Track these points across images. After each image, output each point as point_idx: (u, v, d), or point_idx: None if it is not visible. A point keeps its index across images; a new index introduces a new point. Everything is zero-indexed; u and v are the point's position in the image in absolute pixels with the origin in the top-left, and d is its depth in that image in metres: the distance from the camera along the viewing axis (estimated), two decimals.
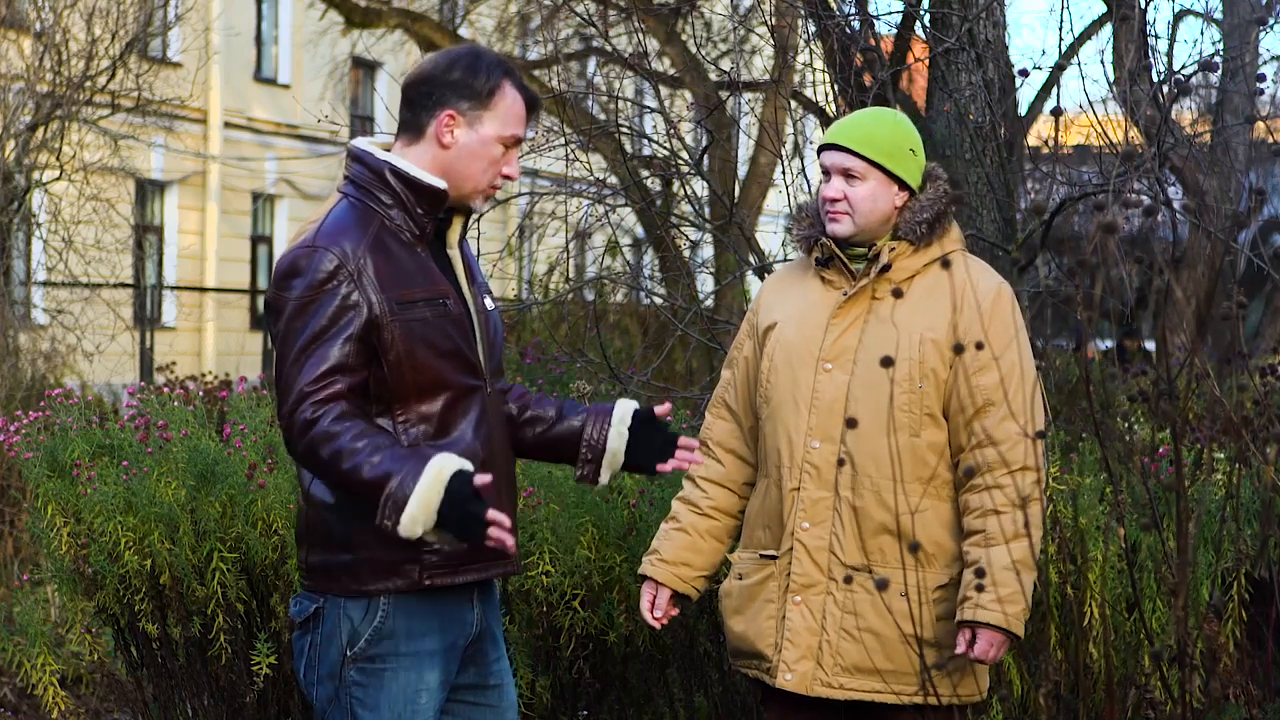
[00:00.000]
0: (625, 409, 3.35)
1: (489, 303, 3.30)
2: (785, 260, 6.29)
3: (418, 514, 2.93)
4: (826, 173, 3.52)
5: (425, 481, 2.93)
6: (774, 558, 3.51)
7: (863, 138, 3.48)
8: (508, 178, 3.21)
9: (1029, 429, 3.41)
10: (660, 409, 3.35)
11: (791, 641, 3.44)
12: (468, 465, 2.98)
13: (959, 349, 2.69)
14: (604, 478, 3.35)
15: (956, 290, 3.45)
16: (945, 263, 3.40)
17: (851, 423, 3.15)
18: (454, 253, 3.24)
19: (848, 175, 3.48)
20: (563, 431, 3.35)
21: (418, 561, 3.11)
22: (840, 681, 3.42)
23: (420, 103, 3.15)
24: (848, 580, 3.31)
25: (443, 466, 2.95)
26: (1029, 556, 3.35)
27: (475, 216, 3.33)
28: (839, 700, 3.45)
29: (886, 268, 3.47)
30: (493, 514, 2.95)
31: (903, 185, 3.50)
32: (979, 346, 3.35)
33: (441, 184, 3.14)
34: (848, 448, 3.42)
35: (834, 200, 3.48)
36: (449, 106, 3.14)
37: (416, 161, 3.15)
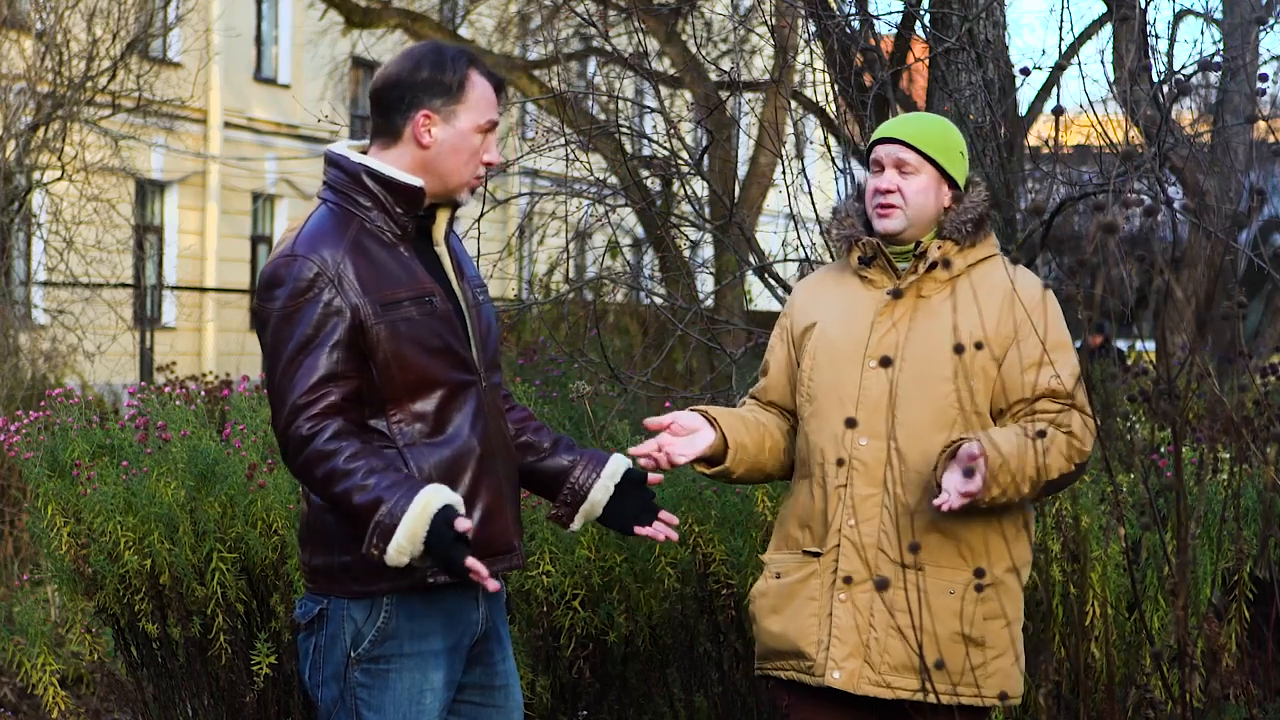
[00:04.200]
0: (619, 465, 3.38)
1: (481, 297, 3.30)
2: (786, 260, 6.28)
3: (404, 544, 2.95)
4: (879, 166, 3.51)
5: (412, 513, 2.94)
6: (816, 555, 3.48)
7: (918, 133, 3.50)
8: (489, 164, 3.21)
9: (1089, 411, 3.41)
10: (653, 477, 3.39)
11: (839, 639, 3.41)
12: (456, 500, 2.98)
13: (959, 349, 2.69)
14: (576, 524, 3.38)
15: (1018, 298, 3.43)
16: (945, 263, 3.42)
17: (851, 422, 3.15)
18: (441, 249, 3.23)
19: (901, 168, 3.48)
20: (551, 467, 3.36)
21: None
22: (889, 680, 3.40)
23: (393, 107, 3.14)
24: (881, 586, 3.28)
25: (429, 500, 2.96)
26: (1040, 474, 3.31)
27: (458, 210, 3.31)
28: (882, 700, 3.43)
29: (934, 265, 3.47)
30: (471, 562, 2.96)
31: (951, 185, 3.51)
32: (978, 346, 3.35)
33: (418, 182, 3.14)
34: (896, 444, 3.41)
35: (887, 191, 3.48)
36: (423, 107, 3.13)
37: (396, 164, 3.15)
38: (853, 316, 3.52)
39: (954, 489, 3.26)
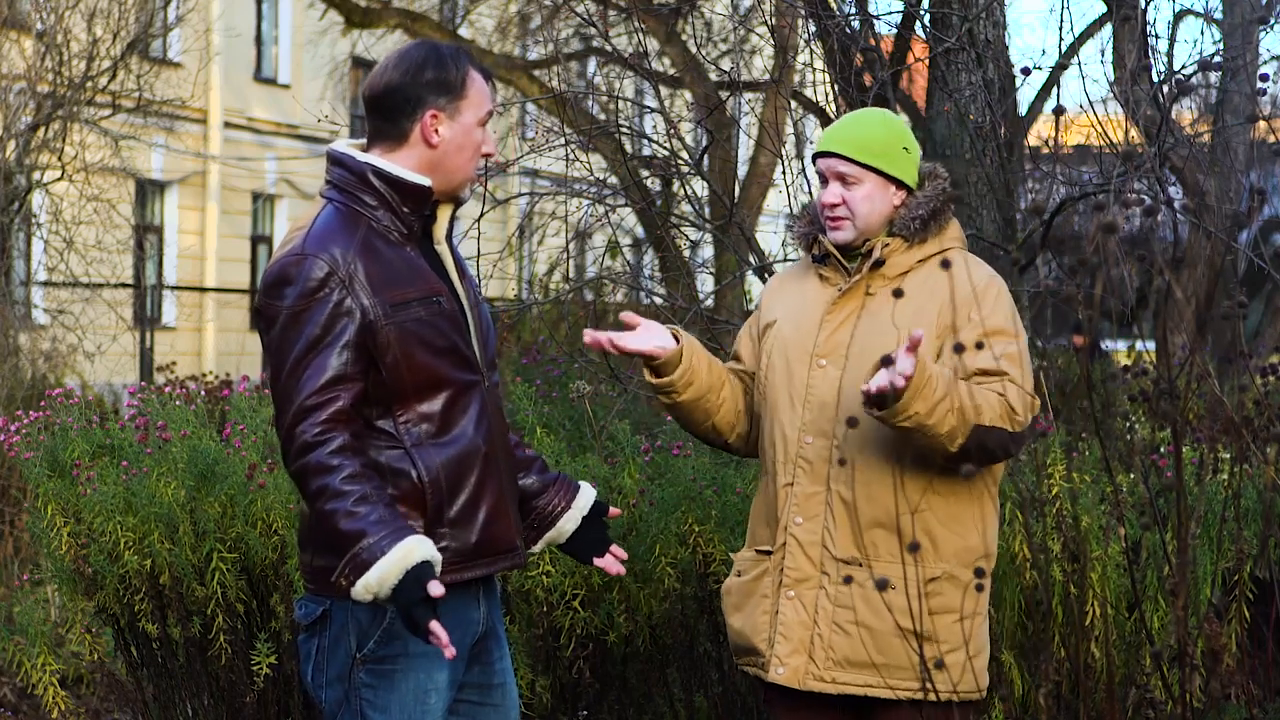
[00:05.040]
0: (588, 497, 3.45)
1: (479, 297, 3.31)
2: (785, 260, 6.29)
3: (373, 584, 2.94)
4: (824, 179, 3.53)
5: (390, 559, 2.93)
6: (769, 553, 3.52)
7: (853, 141, 3.49)
8: (488, 155, 3.22)
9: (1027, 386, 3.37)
10: (613, 510, 3.49)
11: (784, 636, 3.44)
12: (435, 557, 2.98)
13: (959, 348, 2.69)
14: (539, 547, 3.44)
15: (955, 289, 3.45)
16: (945, 263, 3.41)
17: (852, 422, 3.14)
18: (442, 248, 3.24)
19: (843, 180, 3.49)
20: (522, 487, 3.39)
21: None
22: (833, 675, 3.41)
23: (399, 110, 3.14)
24: (847, 581, 3.29)
25: (410, 550, 2.95)
26: (967, 412, 3.27)
27: (461, 210, 3.32)
28: (836, 695, 3.44)
29: (879, 263, 3.48)
30: (434, 627, 2.95)
31: (900, 184, 3.51)
32: (979, 346, 3.35)
33: (426, 181, 3.14)
34: (844, 443, 3.41)
35: (833, 205, 3.49)
36: (429, 107, 3.14)
37: (404, 164, 3.15)
38: (804, 315, 3.54)
39: (885, 374, 3.20)
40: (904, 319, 3.43)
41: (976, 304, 3.44)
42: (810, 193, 5.74)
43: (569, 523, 3.43)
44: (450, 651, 2.95)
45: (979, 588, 3.40)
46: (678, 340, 3.53)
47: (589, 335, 3.45)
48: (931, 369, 3.25)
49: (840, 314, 3.50)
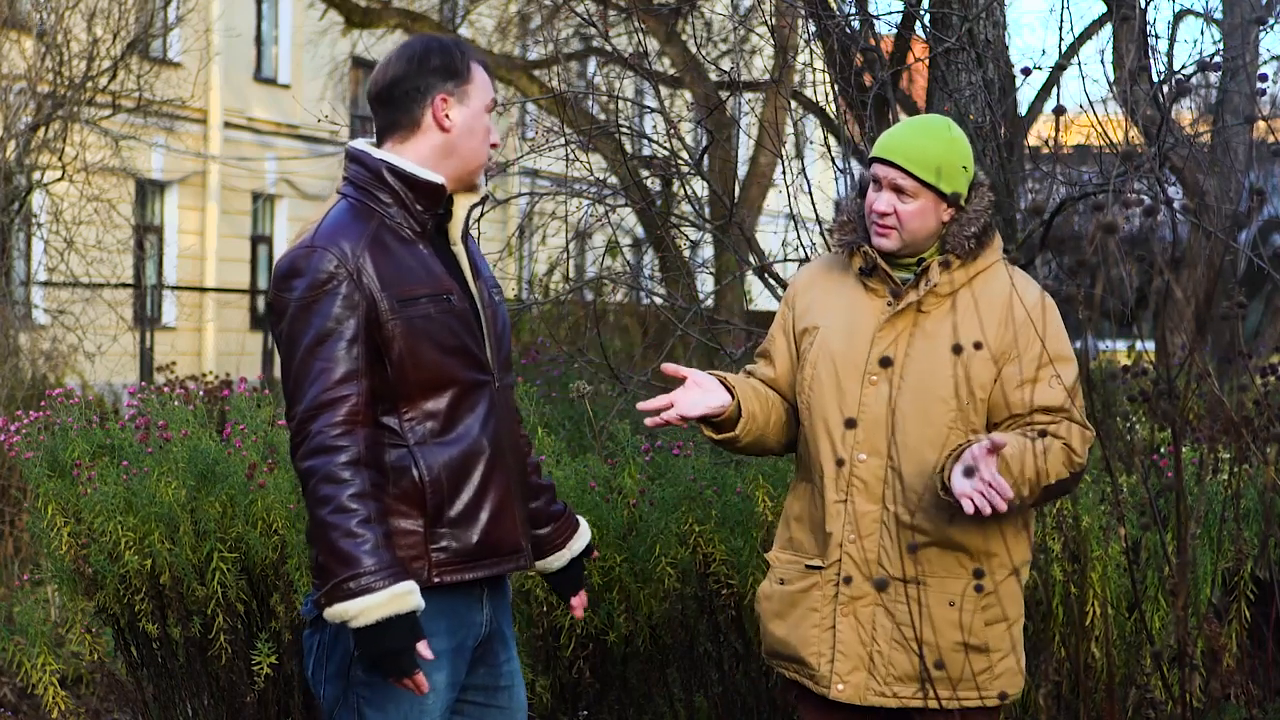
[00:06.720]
0: (583, 540, 3.52)
1: (496, 296, 3.31)
2: (785, 260, 6.28)
3: (350, 614, 2.96)
4: (877, 182, 3.45)
5: (379, 598, 2.96)
6: (818, 568, 3.47)
7: (917, 156, 3.41)
8: (494, 146, 3.26)
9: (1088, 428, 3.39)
10: (594, 553, 3.57)
11: (843, 653, 3.42)
12: (421, 606, 3.01)
13: (958, 349, 2.69)
14: (535, 565, 3.47)
15: (1016, 310, 3.41)
16: (945, 264, 3.41)
17: (851, 423, 3.13)
18: (458, 248, 3.25)
19: (898, 191, 3.42)
20: (535, 508, 3.44)
21: (426, 559, 3.11)
22: (895, 690, 3.41)
23: (408, 99, 3.17)
24: (880, 586, 3.27)
25: (401, 597, 2.98)
26: (1040, 477, 3.28)
27: (477, 209, 3.32)
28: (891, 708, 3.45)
29: (929, 285, 3.43)
30: (419, 678, 3.01)
31: (951, 200, 3.44)
32: (977, 346, 3.33)
33: (439, 178, 3.16)
34: (898, 461, 3.39)
35: (884, 214, 3.43)
36: (438, 91, 3.17)
37: (418, 154, 3.17)
38: (855, 328, 3.48)
39: (997, 487, 3.17)
40: (960, 337, 3.39)
41: (1037, 327, 3.39)
42: (810, 192, 5.73)
43: (557, 560, 3.48)
44: (424, 689, 3.01)
45: (978, 588, 3.40)
46: (730, 391, 3.48)
47: (652, 405, 3.44)
48: (1008, 456, 3.21)
49: (893, 331, 3.44)
